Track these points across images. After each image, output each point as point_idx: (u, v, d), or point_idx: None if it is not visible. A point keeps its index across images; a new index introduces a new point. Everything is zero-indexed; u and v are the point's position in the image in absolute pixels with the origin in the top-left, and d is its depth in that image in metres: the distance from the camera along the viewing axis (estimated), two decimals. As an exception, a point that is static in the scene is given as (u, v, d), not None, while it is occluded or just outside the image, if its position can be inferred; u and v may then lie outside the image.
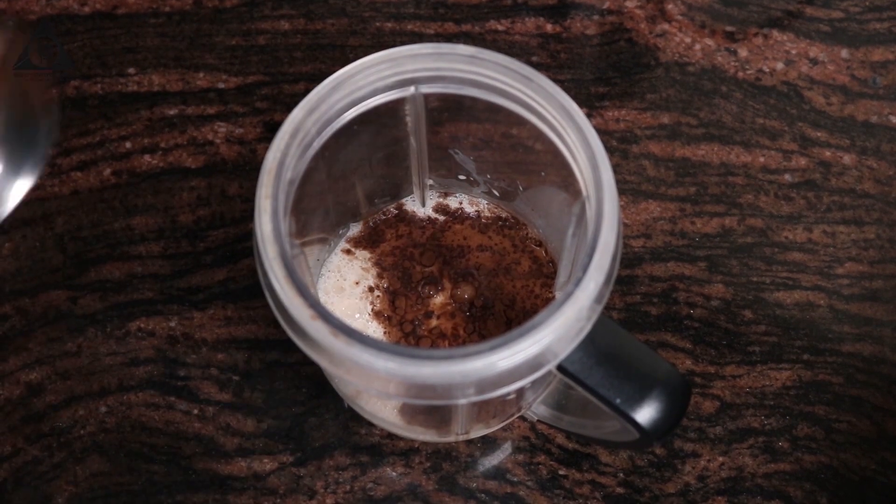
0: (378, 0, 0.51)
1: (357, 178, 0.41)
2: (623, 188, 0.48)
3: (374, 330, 0.41)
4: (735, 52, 0.50)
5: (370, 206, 0.43)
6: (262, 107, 0.49)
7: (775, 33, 0.51)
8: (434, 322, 0.41)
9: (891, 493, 0.43)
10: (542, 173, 0.40)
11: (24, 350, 0.45)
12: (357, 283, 0.42)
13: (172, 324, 0.45)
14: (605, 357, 0.33)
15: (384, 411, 0.41)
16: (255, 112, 0.49)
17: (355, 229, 0.43)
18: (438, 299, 0.41)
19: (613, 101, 0.49)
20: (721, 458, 0.43)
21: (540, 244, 0.43)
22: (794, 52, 0.50)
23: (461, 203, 0.43)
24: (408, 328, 0.41)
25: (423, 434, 0.42)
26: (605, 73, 0.50)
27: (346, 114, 0.35)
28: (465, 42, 0.50)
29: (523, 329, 0.31)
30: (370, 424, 0.43)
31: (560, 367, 0.33)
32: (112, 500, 0.42)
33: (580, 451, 0.43)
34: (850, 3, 0.52)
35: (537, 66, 0.50)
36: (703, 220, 0.47)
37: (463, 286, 0.41)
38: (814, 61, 0.50)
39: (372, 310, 0.41)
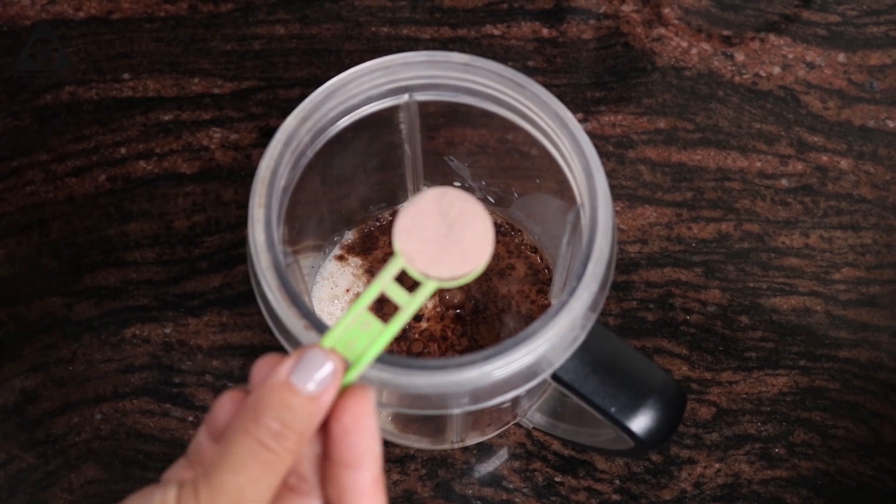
0: (373, 5, 0.51)
1: (351, 186, 0.41)
2: (619, 193, 0.47)
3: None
4: (732, 57, 0.50)
5: (365, 213, 0.43)
6: (257, 112, 0.49)
7: (772, 37, 0.51)
8: (424, 325, 0.41)
9: (888, 499, 0.43)
10: (537, 180, 0.40)
11: (19, 357, 0.45)
12: (348, 291, 0.41)
13: (167, 330, 0.45)
14: (600, 365, 0.33)
15: (378, 419, 0.41)
16: (251, 117, 0.49)
17: (350, 236, 0.43)
18: (429, 303, 0.41)
19: (609, 106, 0.49)
20: (717, 465, 0.43)
21: (535, 250, 0.43)
22: (790, 56, 0.50)
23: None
24: (398, 333, 0.41)
25: (417, 442, 0.42)
26: (602, 78, 0.50)
27: (339, 122, 0.35)
28: (461, 47, 0.50)
29: (518, 338, 0.31)
30: (366, 431, 0.43)
31: (555, 376, 0.33)
32: (107, 507, 0.42)
33: (576, 458, 0.43)
34: (846, 6, 0.51)
35: (533, 71, 0.49)
36: (700, 225, 0.47)
37: (452, 289, 0.41)
38: (810, 65, 0.50)
39: None
